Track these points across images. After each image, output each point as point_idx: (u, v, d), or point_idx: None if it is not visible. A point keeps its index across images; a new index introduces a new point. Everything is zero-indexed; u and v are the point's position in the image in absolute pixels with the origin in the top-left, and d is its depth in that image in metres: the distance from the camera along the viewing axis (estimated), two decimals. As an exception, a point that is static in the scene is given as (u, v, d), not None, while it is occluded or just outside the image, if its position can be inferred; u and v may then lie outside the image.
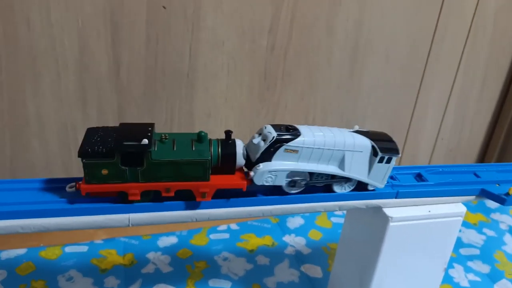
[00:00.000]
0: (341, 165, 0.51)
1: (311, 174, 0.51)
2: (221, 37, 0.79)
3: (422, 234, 0.56)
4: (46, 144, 0.79)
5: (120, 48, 0.75)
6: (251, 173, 0.48)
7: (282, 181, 0.49)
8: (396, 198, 0.55)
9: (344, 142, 0.50)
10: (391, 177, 0.57)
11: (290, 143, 0.48)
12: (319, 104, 0.92)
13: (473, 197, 0.58)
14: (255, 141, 0.49)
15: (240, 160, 0.48)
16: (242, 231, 0.85)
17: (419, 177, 0.58)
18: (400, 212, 0.54)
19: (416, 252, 0.57)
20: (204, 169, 0.45)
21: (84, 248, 0.77)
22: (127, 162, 0.44)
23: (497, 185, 0.58)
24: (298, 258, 0.78)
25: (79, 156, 0.43)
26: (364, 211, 0.57)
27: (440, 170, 0.60)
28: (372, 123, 0.97)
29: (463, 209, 0.56)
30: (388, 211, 0.54)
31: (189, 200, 0.48)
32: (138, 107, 0.81)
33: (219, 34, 0.79)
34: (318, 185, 0.52)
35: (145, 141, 0.43)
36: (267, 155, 0.48)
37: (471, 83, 1.02)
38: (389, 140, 0.53)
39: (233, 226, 0.87)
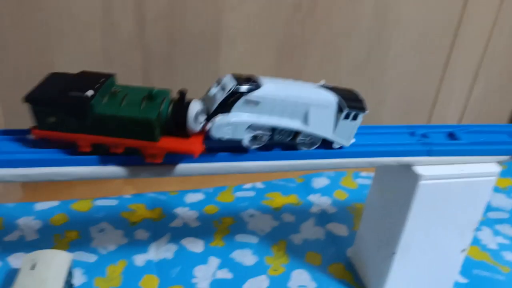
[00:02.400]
0: (305, 120, 0.48)
1: (273, 130, 0.48)
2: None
3: (454, 193, 0.55)
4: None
5: (144, 8, 0.74)
6: (208, 125, 0.45)
7: (242, 135, 0.46)
8: (427, 156, 0.54)
9: (309, 96, 0.47)
10: (423, 135, 0.56)
11: (251, 94, 0.45)
12: (344, 70, 0.89)
13: (507, 157, 0.57)
14: (213, 91, 0.46)
15: (193, 125, 0.44)
16: (267, 189, 0.86)
17: (451, 136, 0.57)
18: (431, 170, 0.53)
19: (446, 212, 0.56)
20: (150, 129, 0.42)
21: (113, 202, 0.79)
22: (72, 112, 0.42)
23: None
24: (323, 217, 0.79)
25: (24, 101, 0.42)
26: (394, 169, 0.56)
27: (473, 129, 0.59)
28: (399, 89, 0.95)
29: (496, 169, 0.55)
30: (419, 169, 0.53)
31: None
32: (162, 68, 0.80)
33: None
34: (281, 142, 0.49)
35: (89, 92, 0.41)
36: (226, 106, 0.45)
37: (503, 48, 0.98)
38: (356, 96, 0.50)
39: (258, 185, 0.87)
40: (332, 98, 0.49)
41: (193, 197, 0.82)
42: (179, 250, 0.70)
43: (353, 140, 0.52)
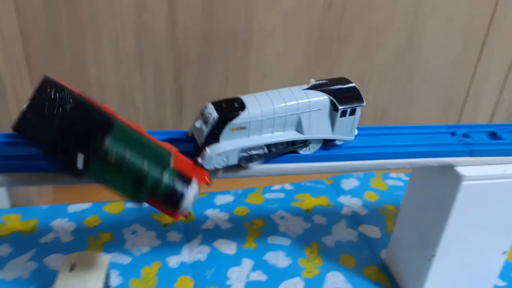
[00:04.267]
0: (299, 128, 0.47)
1: (268, 145, 0.47)
2: (277, -4, 0.77)
3: (496, 194, 0.54)
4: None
5: (176, 8, 0.74)
6: (199, 159, 0.45)
7: (236, 160, 0.46)
8: (470, 156, 0.53)
9: (296, 105, 0.46)
10: (464, 135, 0.55)
11: (234, 121, 0.44)
12: (375, 68, 0.89)
13: (551, 157, 0.55)
14: (197, 124, 0.45)
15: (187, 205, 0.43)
16: (296, 191, 0.85)
17: (493, 135, 0.56)
18: (473, 171, 0.52)
19: (488, 214, 0.55)
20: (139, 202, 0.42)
21: (144, 205, 0.79)
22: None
23: None
24: (355, 219, 0.78)
25: (13, 129, 0.38)
26: (433, 170, 0.55)
27: (515, 129, 0.58)
28: (431, 86, 0.94)
29: (540, 169, 0.54)
30: (460, 170, 0.52)
31: None
32: (194, 68, 0.81)
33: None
34: (281, 153, 0.49)
35: (80, 162, 0.38)
36: (213, 137, 0.44)
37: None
38: (350, 89, 0.48)
39: (287, 186, 0.87)
40: (323, 100, 0.47)
41: (223, 199, 0.82)
42: (212, 251, 0.69)
43: (356, 132, 0.51)
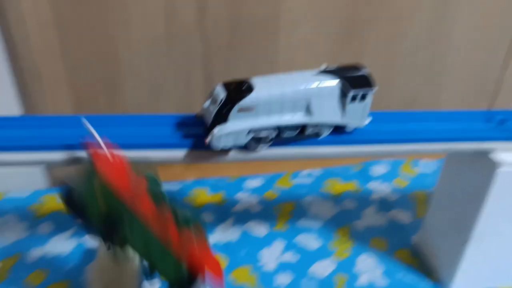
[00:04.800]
0: (309, 112, 0.47)
1: (278, 127, 0.47)
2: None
3: (533, 180, 0.53)
4: (136, 94, 0.82)
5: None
6: (207, 139, 0.45)
7: (244, 140, 0.46)
8: (507, 141, 0.52)
9: (306, 88, 0.46)
10: (500, 121, 0.55)
11: (242, 102, 0.44)
12: (404, 54, 0.88)
13: None
14: (206, 104, 0.46)
15: None
16: (325, 176, 0.86)
17: (531, 121, 0.55)
18: (510, 157, 0.52)
19: (524, 200, 0.55)
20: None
21: (176, 186, 0.81)
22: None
23: None
24: (384, 204, 0.79)
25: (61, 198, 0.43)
26: (468, 156, 0.55)
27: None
28: (461, 72, 0.93)
29: None
30: (497, 156, 0.52)
31: None
32: (222, 54, 0.81)
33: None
34: (290, 136, 0.48)
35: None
36: (221, 117, 0.44)
37: None
38: (362, 74, 0.48)
39: (316, 171, 0.87)
40: (333, 84, 0.47)
41: (253, 183, 0.83)
42: (244, 233, 0.71)
43: (368, 119, 0.50)
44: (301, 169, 0.88)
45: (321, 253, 0.68)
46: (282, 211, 0.76)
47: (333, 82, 0.47)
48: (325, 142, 0.50)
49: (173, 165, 0.89)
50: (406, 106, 0.95)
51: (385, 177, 0.86)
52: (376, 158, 0.90)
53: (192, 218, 0.44)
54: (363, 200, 0.79)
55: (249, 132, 0.46)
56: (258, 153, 0.48)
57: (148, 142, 0.48)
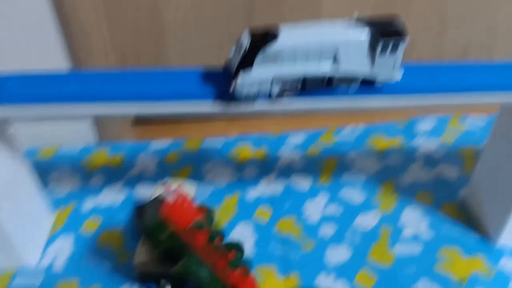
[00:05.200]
0: (335, 62, 0.44)
1: (304, 77, 0.45)
2: None
3: None
4: (180, 52, 0.83)
5: None
6: (231, 88, 0.44)
7: (268, 88, 0.45)
8: None
9: (334, 36, 0.43)
10: None
11: (267, 49, 0.42)
12: (456, 2, 0.84)
13: None
14: (232, 52, 0.44)
15: None
16: (369, 131, 0.85)
17: None
18: None
19: None
20: None
21: (220, 142, 0.82)
22: None
23: None
24: (431, 159, 0.77)
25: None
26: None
27: None
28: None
29: None
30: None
31: None
32: (266, 12, 0.80)
33: None
34: (315, 88, 0.46)
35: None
36: (246, 64, 0.43)
37: None
38: (394, 24, 0.44)
39: (360, 128, 0.86)
40: (362, 33, 0.44)
41: (295, 139, 0.83)
42: (288, 186, 0.72)
43: (399, 73, 0.47)
44: (344, 126, 0.87)
45: (365, 207, 0.68)
46: (326, 166, 0.76)
47: (363, 32, 0.44)
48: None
49: (215, 121, 0.90)
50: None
51: (432, 133, 0.84)
52: (409, 112, 0.87)
53: (240, 262, 0.54)
54: (408, 155, 0.78)
55: (273, 80, 0.45)
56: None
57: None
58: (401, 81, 0.48)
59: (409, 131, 0.84)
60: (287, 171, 0.75)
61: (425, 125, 0.86)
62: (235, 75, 0.44)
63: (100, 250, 0.62)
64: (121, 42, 0.79)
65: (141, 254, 0.55)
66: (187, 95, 0.48)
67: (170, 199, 0.52)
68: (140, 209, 0.52)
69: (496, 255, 0.60)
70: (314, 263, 0.59)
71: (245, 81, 0.44)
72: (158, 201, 0.53)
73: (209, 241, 0.52)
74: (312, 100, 0.48)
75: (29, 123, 0.77)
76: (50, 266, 0.60)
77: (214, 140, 0.82)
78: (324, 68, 0.45)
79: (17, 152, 0.57)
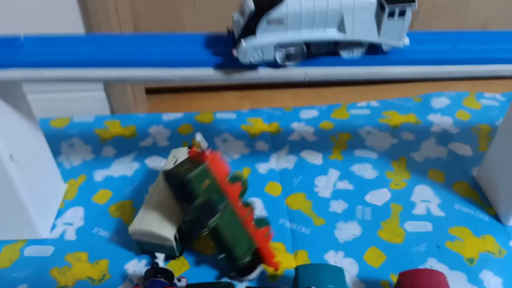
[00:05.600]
0: (341, 27, 0.43)
1: (308, 43, 0.44)
2: None
3: None
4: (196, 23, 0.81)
5: None
6: (234, 52, 0.43)
7: (272, 55, 0.43)
8: None
9: (339, 0, 0.42)
10: None
11: (271, 13, 0.41)
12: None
13: None
14: (235, 17, 0.43)
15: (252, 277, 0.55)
16: (383, 108, 0.84)
17: None
18: None
19: None
20: None
21: (232, 115, 0.82)
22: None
23: None
24: (445, 136, 0.76)
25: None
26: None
27: None
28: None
29: None
30: None
31: None
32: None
33: None
34: (321, 53, 0.45)
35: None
36: (249, 30, 0.42)
37: None
38: None
39: (373, 103, 0.85)
40: None
41: (308, 114, 0.83)
42: (299, 161, 0.71)
43: (406, 40, 0.46)
44: (358, 101, 0.86)
45: (378, 182, 0.67)
46: (338, 140, 0.76)
47: None
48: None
49: (228, 94, 0.89)
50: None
51: (447, 110, 0.82)
52: (424, 86, 0.86)
53: (265, 221, 0.55)
54: (422, 132, 0.77)
55: (277, 46, 0.43)
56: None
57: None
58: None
59: (424, 107, 0.83)
60: (299, 145, 0.75)
61: (440, 101, 0.85)
62: (238, 41, 0.43)
63: (110, 222, 0.62)
64: (137, 9, 0.78)
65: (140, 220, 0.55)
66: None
67: (206, 151, 0.51)
68: (170, 172, 0.52)
69: (506, 236, 0.60)
70: (323, 240, 0.59)
71: (249, 46, 0.43)
72: (190, 159, 0.52)
73: (240, 196, 0.53)
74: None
75: (42, 93, 0.78)
76: (61, 237, 0.60)
77: (226, 114, 0.82)
78: (330, 34, 0.44)
79: (33, 120, 0.57)
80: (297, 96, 0.90)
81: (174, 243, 0.54)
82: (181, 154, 0.61)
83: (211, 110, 0.83)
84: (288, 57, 0.45)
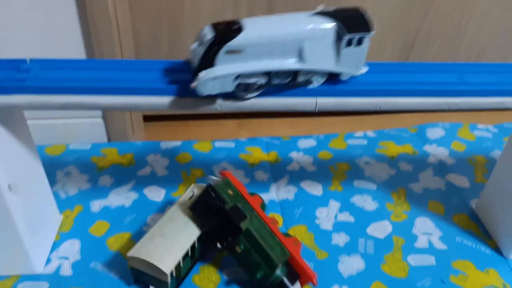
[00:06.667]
0: (301, 57, 0.43)
1: (268, 74, 0.43)
2: None
3: None
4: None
5: None
6: (193, 84, 0.42)
7: (231, 87, 0.42)
8: None
9: (299, 30, 0.41)
10: None
11: (231, 43, 0.40)
12: (476, 5, 0.83)
13: None
14: (193, 46, 0.42)
15: None
16: (379, 138, 0.85)
17: None
18: None
19: None
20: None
21: (231, 144, 0.81)
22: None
23: None
24: (442, 167, 0.77)
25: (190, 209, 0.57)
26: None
27: None
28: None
29: None
30: None
31: None
32: (287, 3, 0.79)
33: None
34: (280, 84, 0.44)
35: (219, 245, 0.55)
36: (208, 60, 0.41)
37: None
38: (360, 17, 0.43)
39: (370, 133, 0.86)
40: (327, 26, 0.42)
41: (306, 143, 0.83)
42: (299, 191, 0.71)
43: (364, 69, 0.45)
44: (354, 131, 0.87)
45: (378, 214, 0.67)
46: (337, 171, 0.76)
47: (328, 25, 0.43)
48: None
49: (226, 122, 0.89)
50: (472, 60, 0.90)
51: (442, 141, 0.84)
52: (417, 119, 0.87)
53: (289, 234, 0.58)
54: (419, 162, 0.78)
55: (237, 77, 0.42)
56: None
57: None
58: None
59: (419, 138, 0.84)
60: (298, 175, 0.75)
61: (435, 132, 0.86)
62: (197, 71, 0.42)
63: (108, 256, 0.60)
64: (140, 33, 0.77)
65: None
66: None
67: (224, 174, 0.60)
68: (196, 202, 0.56)
69: (509, 270, 0.60)
70: (327, 274, 0.59)
71: (208, 78, 0.42)
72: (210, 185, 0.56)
73: (261, 207, 0.58)
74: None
75: (37, 119, 0.76)
76: (56, 272, 0.58)
77: (224, 143, 0.82)
78: (289, 64, 0.43)
79: (32, 147, 0.56)
80: (293, 125, 0.90)
81: (169, 279, 0.53)
82: (199, 189, 0.61)
83: (209, 137, 0.83)
84: (247, 88, 0.44)
